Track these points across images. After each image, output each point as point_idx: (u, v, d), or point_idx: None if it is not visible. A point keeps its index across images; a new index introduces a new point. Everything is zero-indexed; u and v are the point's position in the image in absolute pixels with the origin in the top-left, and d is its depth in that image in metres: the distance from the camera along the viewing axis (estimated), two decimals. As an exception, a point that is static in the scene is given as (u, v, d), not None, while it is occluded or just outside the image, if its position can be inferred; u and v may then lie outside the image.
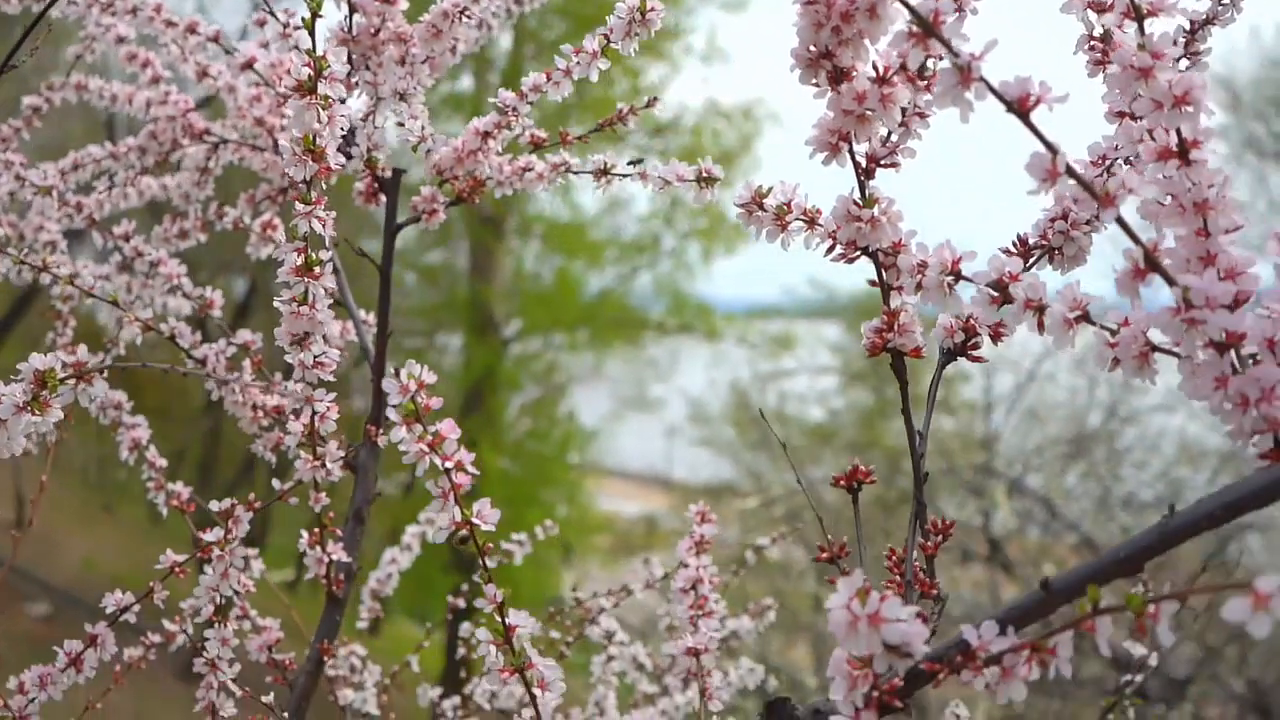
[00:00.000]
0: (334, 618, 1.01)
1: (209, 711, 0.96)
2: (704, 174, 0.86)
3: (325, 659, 0.99)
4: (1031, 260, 0.69)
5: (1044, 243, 0.69)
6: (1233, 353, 0.53)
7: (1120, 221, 0.52)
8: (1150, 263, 0.52)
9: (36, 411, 0.67)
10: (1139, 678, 1.13)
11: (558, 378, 11.95)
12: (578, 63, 0.91)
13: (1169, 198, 0.55)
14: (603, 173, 0.96)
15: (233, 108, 1.17)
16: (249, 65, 1.05)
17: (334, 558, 0.98)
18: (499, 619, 0.65)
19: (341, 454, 0.91)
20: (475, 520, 0.64)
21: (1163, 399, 6.69)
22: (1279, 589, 0.40)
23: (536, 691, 0.65)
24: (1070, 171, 0.51)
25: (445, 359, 11.71)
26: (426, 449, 0.62)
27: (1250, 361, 0.53)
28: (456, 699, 1.37)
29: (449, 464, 0.63)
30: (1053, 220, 0.69)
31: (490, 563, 0.66)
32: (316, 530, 0.97)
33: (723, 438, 10.75)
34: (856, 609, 0.50)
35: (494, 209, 11.31)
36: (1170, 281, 0.52)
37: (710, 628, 0.96)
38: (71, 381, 0.65)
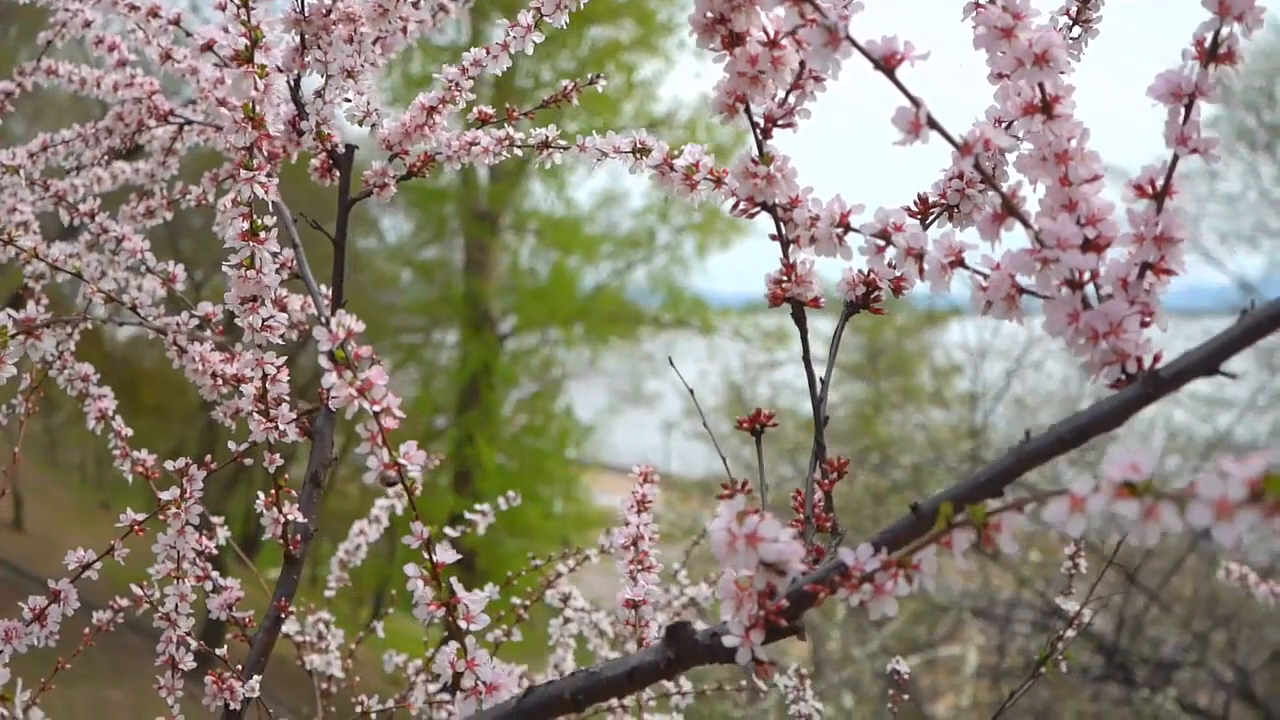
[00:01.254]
0: (291, 577, 1.05)
1: (169, 665, 1.00)
2: (639, 145, 0.90)
3: (283, 616, 1.03)
4: (931, 218, 0.73)
5: (942, 201, 0.73)
6: (1092, 290, 0.57)
7: (979, 169, 0.56)
8: (1008, 208, 0.56)
9: (-10, 366, 0.71)
10: (1071, 633, 1.17)
11: (554, 373, 12.00)
12: (514, 37, 0.96)
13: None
14: (544, 145, 1.00)
15: (195, 90, 1.21)
16: (209, 47, 1.09)
17: (290, 518, 1.02)
18: (426, 556, 0.69)
19: (293, 415, 0.95)
20: (403, 461, 0.67)
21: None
22: (1092, 492, 0.44)
23: (462, 623, 0.69)
24: (932, 123, 0.55)
25: (441, 355, 11.77)
26: (355, 393, 0.66)
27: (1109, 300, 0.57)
28: (419, 662, 1.42)
29: (378, 408, 0.67)
30: (950, 179, 0.73)
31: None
32: (273, 492, 1.01)
33: (718, 431, 10.74)
34: (735, 529, 0.54)
35: (489, 206, 11.37)
36: (1026, 225, 0.55)
37: (648, 581, 1.00)
38: (21, 337, 0.69)
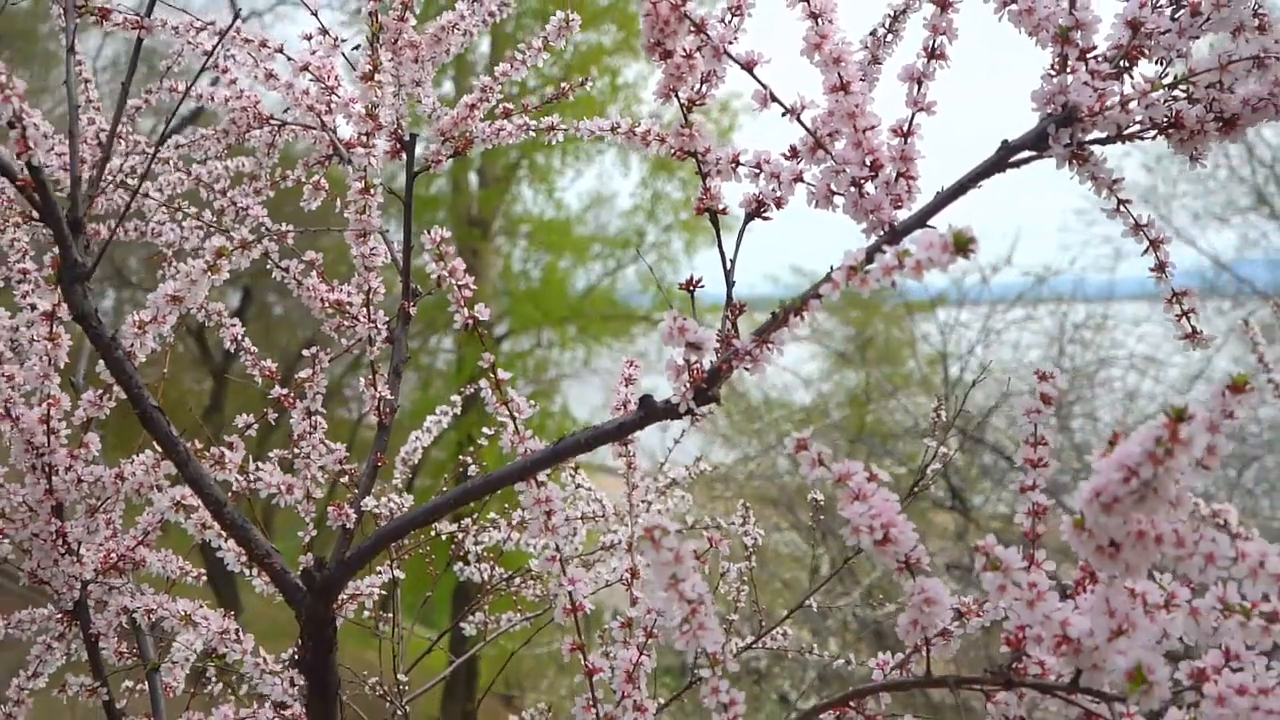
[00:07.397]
0: (383, 439, 1.48)
1: (306, 496, 1.44)
2: (615, 124, 1.33)
3: (379, 465, 1.47)
4: (798, 159, 1.17)
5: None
6: (871, 188, 1.01)
7: (800, 122, 1.00)
8: (818, 143, 1.00)
9: (214, 272, 1.14)
10: (936, 467, 1.61)
11: (549, 374, 12.40)
12: (531, 54, 1.40)
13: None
14: (552, 128, 1.44)
15: (290, 98, 1.64)
16: (305, 68, 1.53)
17: (383, 395, 1.45)
18: (493, 375, 1.13)
19: (388, 318, 1.39)
20: (477, 314, 1.11)
21: (1108, 354, 7.22)
22: (878, 263, 0.88)
23: (515, 414, 1.13)
24: (773, 97, 0.99)
25: (439, 359, 12.18)
26: (447, 274, 1.10)
27: (883, 196, 1.01)
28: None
29: (461, 282, 1.11)
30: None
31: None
32: (370, 376, 1.45)
33: (717, 425, 11.17)
34: (673, 324, 0.98)
35: (481, 211, 11.79)
36: (828, 152, 1.00)
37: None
38: (238, 250, 1.13)
